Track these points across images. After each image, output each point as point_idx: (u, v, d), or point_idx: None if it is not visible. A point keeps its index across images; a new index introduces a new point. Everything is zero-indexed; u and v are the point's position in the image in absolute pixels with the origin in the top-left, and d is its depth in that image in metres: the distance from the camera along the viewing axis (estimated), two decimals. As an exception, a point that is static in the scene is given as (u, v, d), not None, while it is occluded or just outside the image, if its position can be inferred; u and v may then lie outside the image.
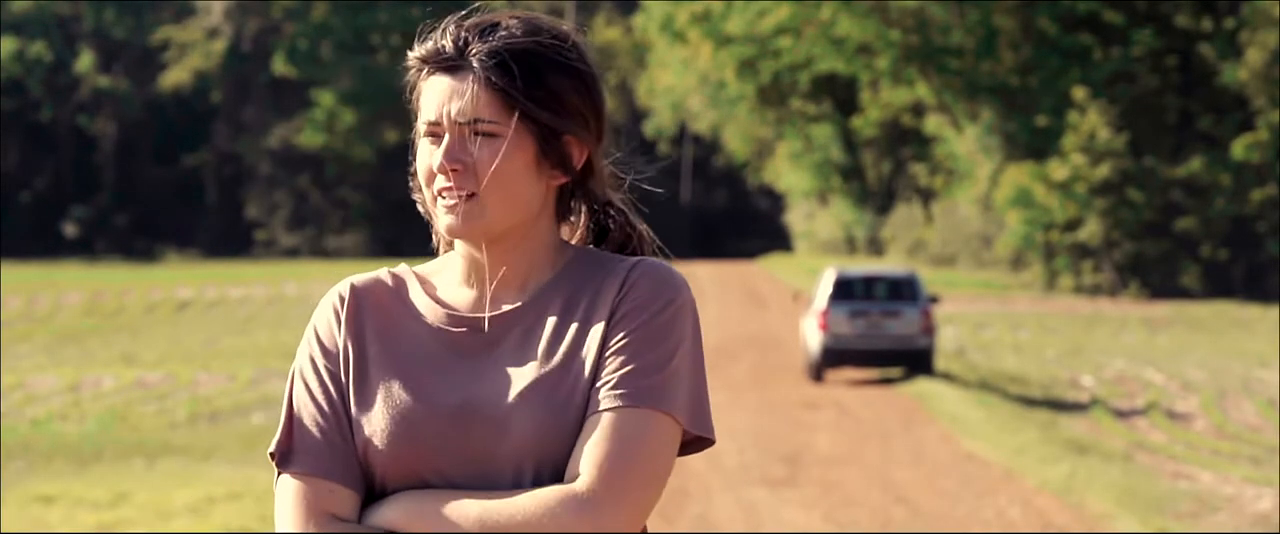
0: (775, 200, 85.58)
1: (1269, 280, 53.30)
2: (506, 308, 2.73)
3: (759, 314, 43.11)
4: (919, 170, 67.62)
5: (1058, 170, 53.40)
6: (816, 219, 75.27)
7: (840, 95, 70.27)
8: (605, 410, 2.63)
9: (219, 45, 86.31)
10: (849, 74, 64.22)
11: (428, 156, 2.71)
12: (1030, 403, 25.33)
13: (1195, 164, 54.36)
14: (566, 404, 2.66)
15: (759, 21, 61.68)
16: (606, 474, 2.60)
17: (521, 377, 2.67)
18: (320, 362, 2.73)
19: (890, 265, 52.64)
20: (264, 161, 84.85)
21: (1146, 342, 37.40)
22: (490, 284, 2.75)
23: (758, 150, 75.94)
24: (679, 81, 71.30)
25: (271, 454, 2.73)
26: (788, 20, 60.75)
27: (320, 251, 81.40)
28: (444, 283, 2.78)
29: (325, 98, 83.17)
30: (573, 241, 2.82)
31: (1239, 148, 54.02)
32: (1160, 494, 16.84)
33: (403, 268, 2.82)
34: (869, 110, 68.31)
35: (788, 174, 74.74)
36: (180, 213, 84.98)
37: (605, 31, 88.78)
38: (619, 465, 2.61)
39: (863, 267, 36.72)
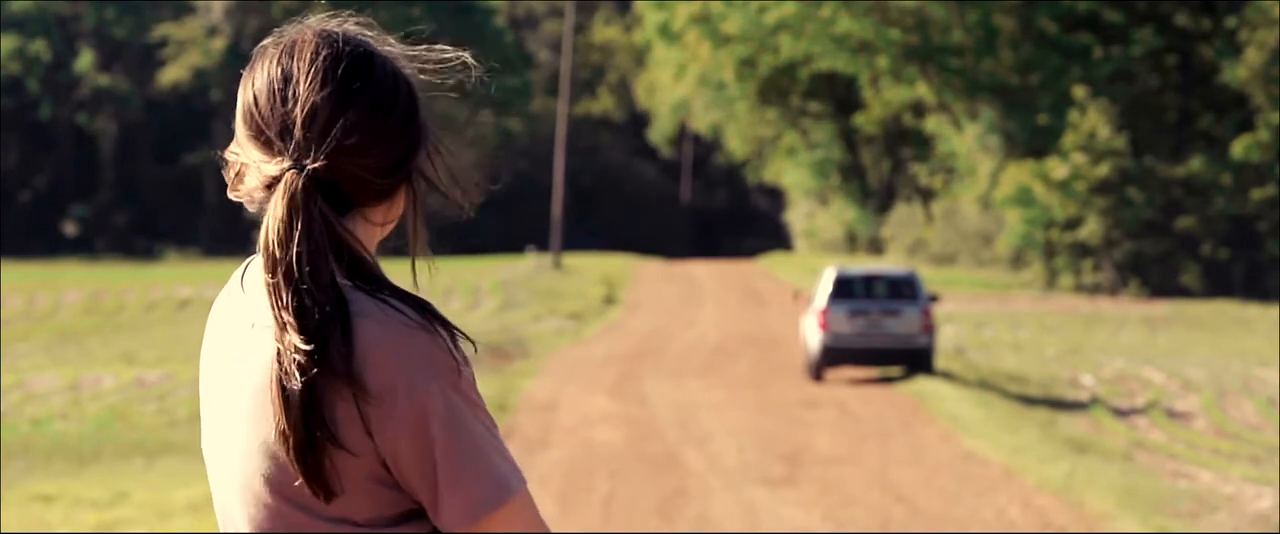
0: (775, 199, 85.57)
1: (1269, 280, 53.30)
2: None
3: (759, 313, 43.10)
4: (919, 169, 67.59)
5: (1058, 169, 53.40)
6: (816, 218, 75.23)
7: (840, 94, 70.26)
8: None
9: (218, 43, 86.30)
10: (849, 73, 64.22)
11: None
12: (1030, 402, 25.33)
13: (1195, 163, 54.36)
14: None
15: (760, 17, 61.66)
16: None
17: None
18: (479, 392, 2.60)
19: (890, 264, 52.64)
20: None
21: (1146, 341, 37.39)
22: None
23: (758, 149, 75.91)
24: (678, 81, 71.26)
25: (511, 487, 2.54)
26: (788, 17, 60.73)
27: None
28: None
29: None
30: None
31: (1239, 147, 54.03)
32: (1160, 493, 16.84)
33: None
34: (869, 109, 68.32)
35: (788, 173, 74.73)
36: (180, 212, 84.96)
37: (604, 31, 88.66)
38: None
39: (863, 266, 36.71)
